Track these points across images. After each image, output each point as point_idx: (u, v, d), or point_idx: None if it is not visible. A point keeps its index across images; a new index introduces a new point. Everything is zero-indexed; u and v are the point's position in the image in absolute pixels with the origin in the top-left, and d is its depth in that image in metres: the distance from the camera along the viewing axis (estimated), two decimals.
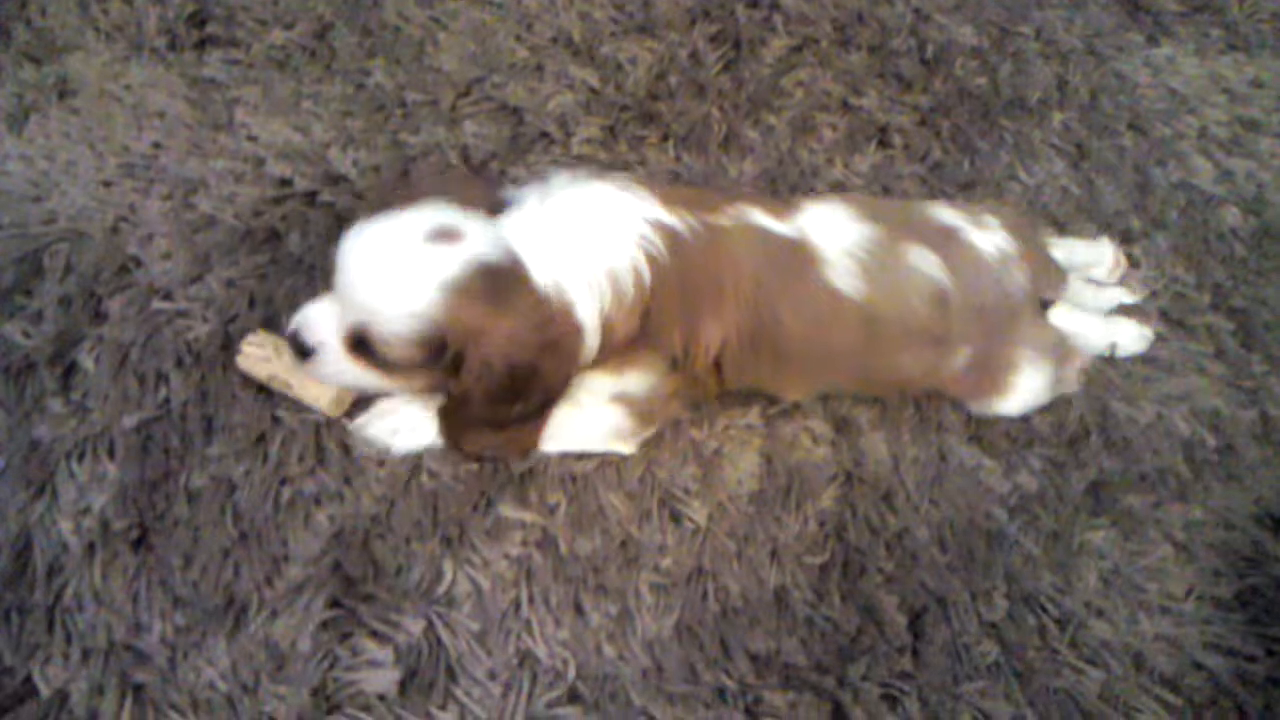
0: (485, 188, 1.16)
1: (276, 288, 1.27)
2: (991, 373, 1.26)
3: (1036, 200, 1.56)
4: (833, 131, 1.61)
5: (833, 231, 1.16)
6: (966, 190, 1.56)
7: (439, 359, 1.01)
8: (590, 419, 1.17)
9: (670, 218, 1.08)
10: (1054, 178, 1.61)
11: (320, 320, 1.06)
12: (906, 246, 1.17)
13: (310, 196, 1.38)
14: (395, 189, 1.19)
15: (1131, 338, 1.39)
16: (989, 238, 1.23)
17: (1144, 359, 1.40)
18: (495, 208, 1.09)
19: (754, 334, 1.12)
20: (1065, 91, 1.76)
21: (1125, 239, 1.54)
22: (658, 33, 1.69)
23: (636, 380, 1.13)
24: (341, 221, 1.32)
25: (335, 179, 1.40)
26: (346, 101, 1.51)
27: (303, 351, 1.08)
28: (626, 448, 1.19)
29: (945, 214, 1.26)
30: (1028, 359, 1.26)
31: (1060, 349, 1.31)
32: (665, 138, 1.56)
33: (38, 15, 1.56)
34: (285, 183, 1.39)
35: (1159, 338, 1.42)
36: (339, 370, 1.08)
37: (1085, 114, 1.73)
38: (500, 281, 1.00)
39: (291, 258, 1.30)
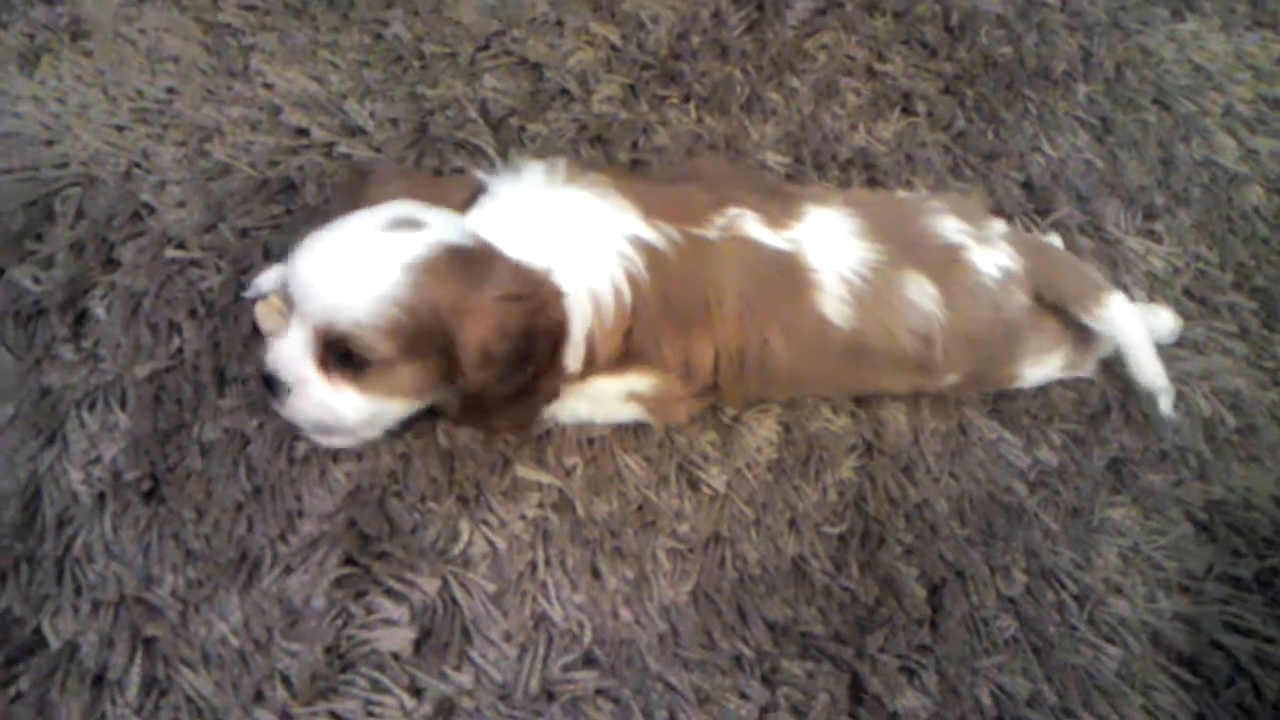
0: (457, 187, 1.11)
1: (292, 239, 1.23)
2: (986, 385, 1.27)
3: (1061, 173, 1.54)
4: (856, 97, 1.59)
5: (831, 250, 1.11)
6: (990, 161, 1.54)
7: (422, 351, 0.97)
8: (612, 414, 1.16)
9: (650, 233, 1.04)
10: (1078, 150, 1.59)
11: (292, 353, 1.00)
12: (905, 275, 1.12)
13: (328, 147, 1.35)
14: (353, 190, 1.13)
15: (1166, 328, 1.34)
16: (992, 257, 1.17)
17: None
18: (468, 205, 1.07)
19: (741, 353, 1.10)
20: (1090, 64, 1.74)
21: (1148, 215, 1.53)
22: None
23: (640, 380, 1.11)
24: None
25: (353, 130, 1.38)
26: (364, 51, 1.48)
27: (280, 392, 1.01)
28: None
29: (951, 227, 1.18)
30: (1029, 364, 1.25)
31: (1076, 337, 1.27)
32: (687, 98, 1.53)
33: None
34: (302, 132, 1.36)
35: (1183, 316, 1.40)
36: (323, 402, 1.01)
37: (1110, 87, 1.71)
38: (470, 259, 0.97)
39: (308, 209, 1.27)
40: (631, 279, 1.02)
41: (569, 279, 1.00)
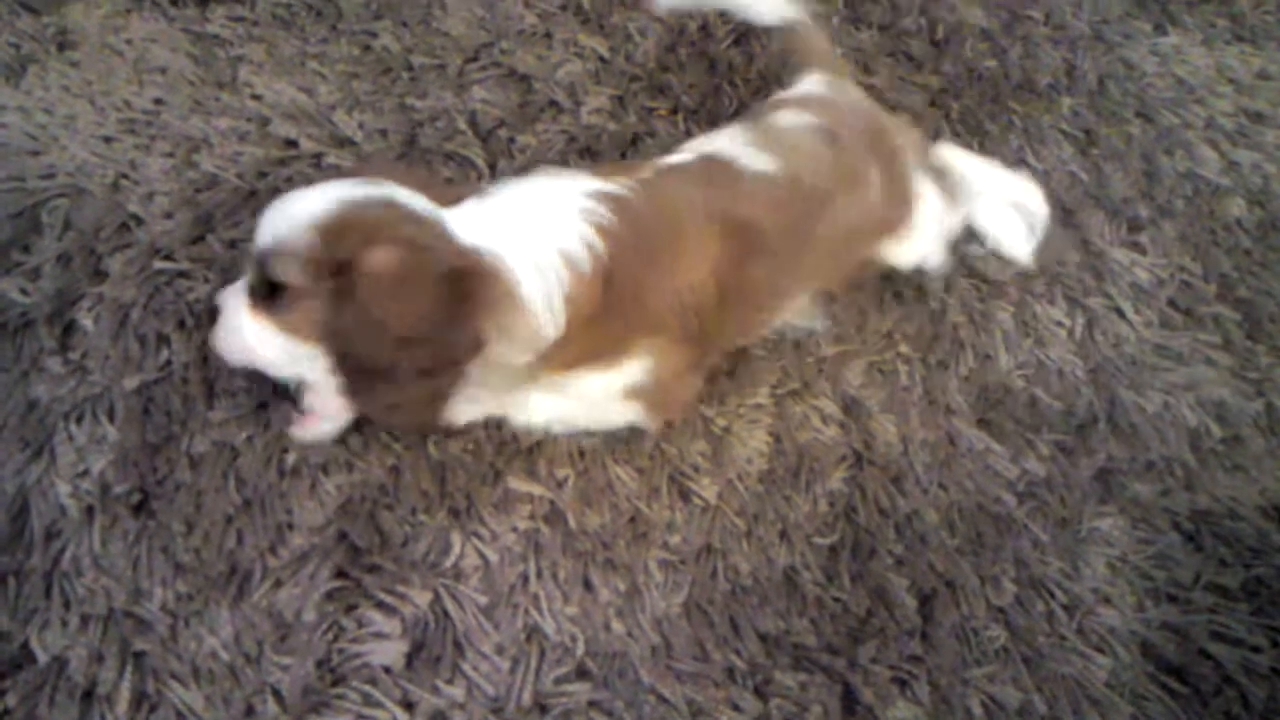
0: (451, 192, 1.06)
1: None
2: (899, 188, 1.26)
3: (1046, 185, 1.54)
4: None
5: (715, 141, 1.17)
6: None
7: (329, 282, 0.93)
8: (608, 417, 1.16)
9: (608, 185, 1.05)
10: (1063, 163, 1.60)
11: (234, 289, 1.01)
12: (769, 118, 1.21)
13: (316, 159, 1.35)
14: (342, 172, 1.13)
15: (1035, 201, 1.44)
16: (806, 82, 1.29)
17: (1152, 347, 1.40)
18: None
19: (736, 244, 1.09)
20: (1074, 77, 1.75)
21: (1133, 227, 1.54)
22: None
23: (636, 368, 1.09)
24: None
25: (341, 141, 1.38)
26: (352, 63, 1.48)
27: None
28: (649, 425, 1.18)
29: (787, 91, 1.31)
30: (923, 182, 1.30)
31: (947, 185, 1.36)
32: (675, 110, 1.53)
33: None
34: (290, 144, 1.36)
35: (1168, 327, 1.42)
36: (238, 327, 1.00)
37: (1093, 100, 1.72)
38: (406, 214, 0.96)
39: None
40: (600, 229, 1.01)
41: (533, 250, 0.98)
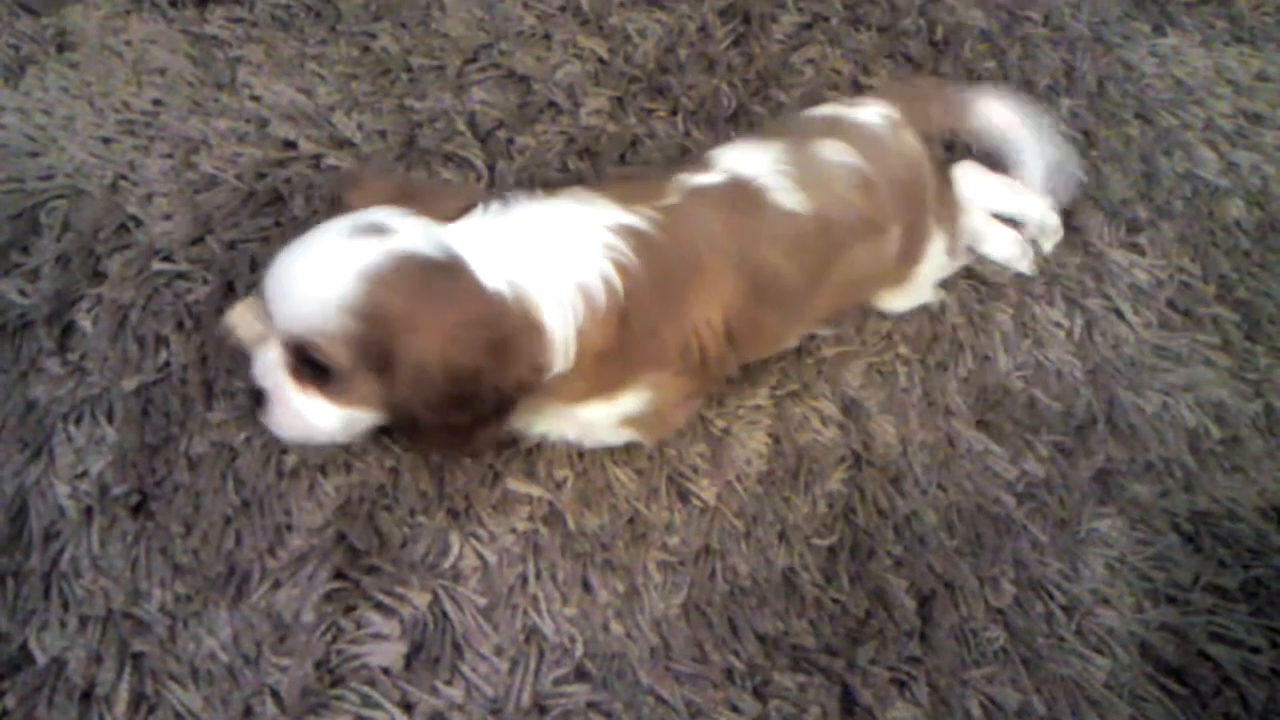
0: (452, 196, 1.06)
1: (279, 251, 1.23)
2: (913, 246, 1.26)
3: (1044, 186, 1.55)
4: None
5: (751, 161, 1.13)
6: None
7: (378, 361, 0.92)
8: (603, 439, 1.16)
9: (631, 217, 1.03)
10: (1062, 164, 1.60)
11: (270, 363, 0.97)
12: (814, 146, 1.16)
13: (315, 160, 1.35)
14: (344, 188, 1.11)
15: (1046, 215, 1.46)
16: (868, 111, 1.24)
17: (1151, 348, 1.40)
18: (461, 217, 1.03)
19: (753, 286, 1.08)
20: (1073, 78, 1.75)
21: (1132, 228, 1.54)
22: (667, 4, 1.66)
23: (633, 401, 1.08)
24: None
25: (340, 142, 1.38)
26: (351, 64, 1.48)
27: (262, 402, 0.99)
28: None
29: (819, 110, 1.27)
30: (932, 224, 1.27)
31: (957, 214, 1.35)
32: (674, 111, 1.53)
33: None
34: (289, 145, 1.36)
35: (1167, 328, 1.42)
36: (297, 411, 0.98)
37: (1092, 101, 1.72)
38: (433, 274, 0.93)
39: (296, 221, 1.27)
40: (620, 267, 0.99)
41: (553, 284, 0.97)
